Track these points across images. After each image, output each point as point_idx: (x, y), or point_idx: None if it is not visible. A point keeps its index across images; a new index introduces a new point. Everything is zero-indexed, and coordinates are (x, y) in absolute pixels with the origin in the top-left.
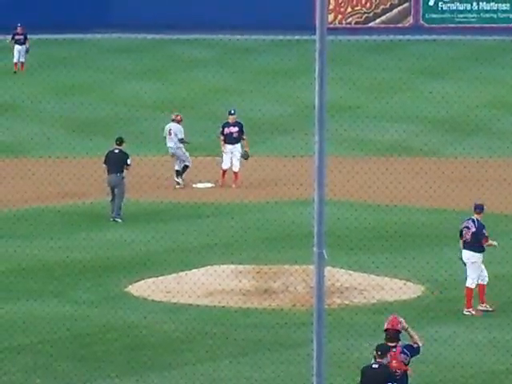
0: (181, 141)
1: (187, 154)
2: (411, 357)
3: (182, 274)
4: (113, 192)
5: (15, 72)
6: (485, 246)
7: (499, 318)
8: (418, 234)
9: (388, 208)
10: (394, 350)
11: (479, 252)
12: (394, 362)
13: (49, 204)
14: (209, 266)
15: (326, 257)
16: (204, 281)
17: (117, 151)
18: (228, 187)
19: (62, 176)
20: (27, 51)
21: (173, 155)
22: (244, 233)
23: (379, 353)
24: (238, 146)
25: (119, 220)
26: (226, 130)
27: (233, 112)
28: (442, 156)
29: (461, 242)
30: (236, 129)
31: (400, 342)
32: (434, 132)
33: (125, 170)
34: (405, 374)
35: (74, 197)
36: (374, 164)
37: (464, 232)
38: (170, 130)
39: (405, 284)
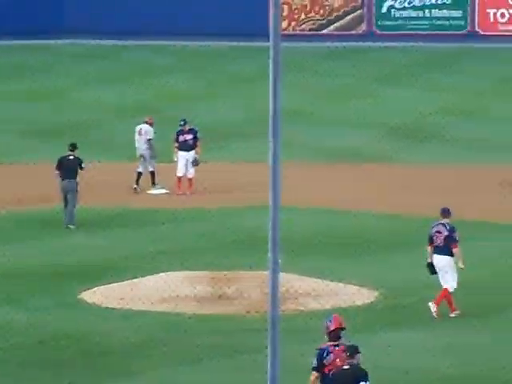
0: (149, 141)
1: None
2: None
3: (135, 280)
4: (66, 198)
5: None
6: (453, 251)
7: (454, 322)
8: (371, 239)
9: (342, 213)
10: (337, 347)
11: (452, 255)
12: (337, 360)
13: (1, 210)
14: (163, 273)
15: (280, 262)
16: (158, 287)
17: (71, 157)
18: (183, 194)
19: (17, 182)
20: None
21: (140, 156)
22: (199, 239)
23: (348, 353)
24: (193, 152)
25: (72, 227)
26: (181, 138)
27: (182, 123)
28: (395, 162)
29: (429, 247)
30: (190, 136)
31: (343, 340)
32: (387, 138)
33: (78, 177)
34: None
35: (28, 203)
36: (328, 170)
37: (435, 237)
38: (141, 129)
39: (358, 290)
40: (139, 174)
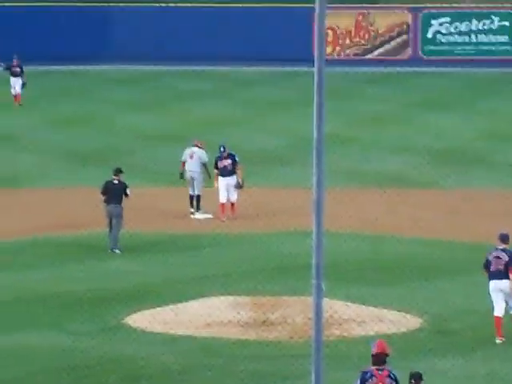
0: (204, 165)
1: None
2: (397, 383)
3: (179, 305)
4: (111, 223)
5: (17, 104)
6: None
7: (498, 349)
8: (416, 265)
9: (387, 239)
10: (380, 372)
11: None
12: None
13: (46, 234)
14: (207, 298)
15: (323, 288)
16: (202, 312)
17: (116, 182)
18: (227, 219)
19: (60, 206)
20: (23, 85)
21: (192, 179)
22: (242, 264)
23: (413, 381)
24: (234, 177)
25: (117, 251)
26: (220, 164)
27: (222, 150)
28: (440, 187)
29: (485, 273)
30: (229, 161)
31: (387, 366)
32: (432, 164)
33: (123, 201)
34: None
35: (72, 227)
36: (371, 195)
37: (494, 262)
38: (193, 153)
39: (403, 316)
40: (191, 197)
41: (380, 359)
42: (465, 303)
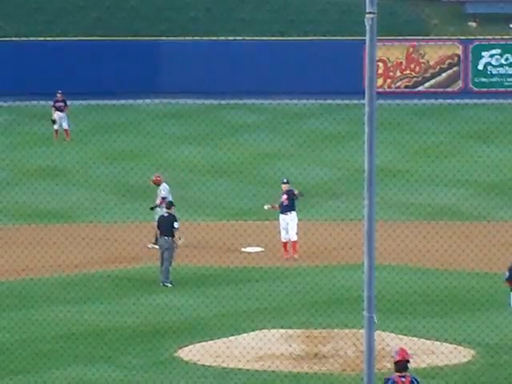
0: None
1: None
2: None
3: (231, 338)
4: (162, 256)
5: (63, 139)
6: None
7: None
8: (468, 298)
9: (438, 272)
10: (403, 379)
11: None
12: None
13: (99, 269)
14: (258, 331)
15: (375, 321)
16: (254, 345)
17: (166, 215)
18: (291, 257)
19: (112, 241)
20: (67, 118)
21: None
22: (293, 297)
23: None
24: (293, 214)
25: (169, 285)
26: (282, 198)
27: (285, 181)
28: (492, 220)
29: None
30: (285, 196)
31: (409, 372)
32: (484, 196)
33: (176, 235)
34: None
35: (124, 261)
36: (423, 228)
37: None
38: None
39: (455, 348)
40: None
41: (402, 366)
42: None
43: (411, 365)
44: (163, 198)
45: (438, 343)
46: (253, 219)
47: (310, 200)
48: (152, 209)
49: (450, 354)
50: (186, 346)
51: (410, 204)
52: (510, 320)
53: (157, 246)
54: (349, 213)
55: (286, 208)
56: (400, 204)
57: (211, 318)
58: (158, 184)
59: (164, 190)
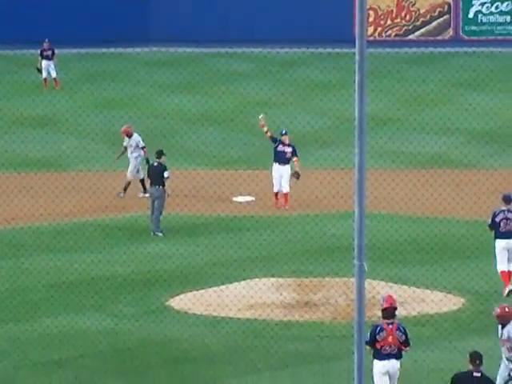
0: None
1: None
2: (406, 336)
3: (222, 287)
4: (153, 205)
5: (52, 88)
6: None
7: None
8: (458, 246)
9: (428, 220)
10: (390, 326)
11: None
12: (390, 337)
13: (89, 218)
14: (249, 280)
15: (366, 269)
16: (245, 294)
17: (156, 164)
18: (280, 208)
19: (102, 190)
20: (55, 66)
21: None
22: (284, 246)
23: (477, 362)
24: (288, 167)
25: (159, 234)
26: (280, 148)
27: (285, 132)
28: (482, 168)
29: (491, 231)
30: (290, 149)
31: (396, 320)
32: (474, 144)
33: (166, 184)
34: (400, 350)
35: (115, 210)
36: (414, 176)
37: (504, 223)
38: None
39: (445, 296)
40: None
41: (389, 313)
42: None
43: (402, 313)
44: (143, 148)
45: (429, 291)
46: (243, 168)
47: (301, 149)
48: (147, 162)
49: (440, 302)
50: (177, 294)
51: (401, 152)
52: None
53: (147, 195)
54: (339, 161)
55: (285, 160)
56: (390, 152)
57: (202, 267)
58: (129, 135)
59: (136, 140)
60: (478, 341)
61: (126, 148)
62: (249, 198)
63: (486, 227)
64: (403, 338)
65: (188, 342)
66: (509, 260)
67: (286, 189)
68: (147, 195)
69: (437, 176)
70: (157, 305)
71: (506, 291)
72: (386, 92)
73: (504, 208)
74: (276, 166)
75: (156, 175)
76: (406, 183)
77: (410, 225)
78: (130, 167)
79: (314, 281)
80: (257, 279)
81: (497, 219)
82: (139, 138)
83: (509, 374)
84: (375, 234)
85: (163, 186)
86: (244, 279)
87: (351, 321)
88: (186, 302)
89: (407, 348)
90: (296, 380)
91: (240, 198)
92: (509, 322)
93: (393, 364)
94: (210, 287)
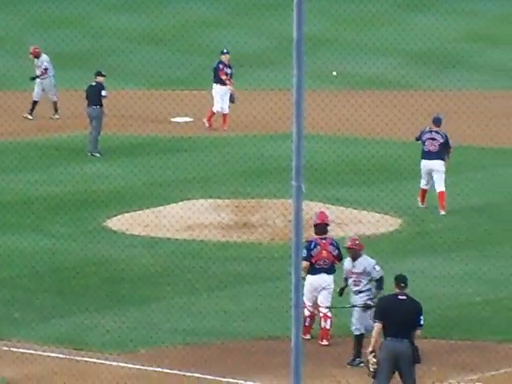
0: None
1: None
2: (339, 251)
3: (160, 208)
4: (91, 125)
5: None
6: (448, 156)
7: (476, 250)
8: (395, 167)
9: (366, 141)
10: (324, 241)
11: (444, 160)
12: (323, 252)
13: (25, 137)
14: (187, 200)
15: (304, 190)
16: (182, 215)
17: (94, 84)
18: (215, 129)
19: (41, 109)
20: None
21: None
22: (222, 167)
23: (402, 285)
24: (226, 88)
25: (97, 154)
26: (224, 70)
27: (226, 52)
28: (419, 89)
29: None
30: (230, 71)
31: (328, 234)
32: (412, 65)
33: (104, 103)
34: (332, 265)
35: (51, 130)
36: (352, 97)
37: (429, 143)
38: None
39: (382, 217)
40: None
41: (322, 229)
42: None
43: (339, 234)
44: (45, 69)
45: (366, 212)
46: (181, 88)
47: (240, 70)
48: (32, 79)
49: (377, 223)
50: (115, 215)
51: (339, 73)
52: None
53: (30, 117)
54: (278, 82)
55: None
56: (328, 72)
57: (140, 188)
58: (36, 56)
59: (45, 61)
60: (415, 261)
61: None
62: (187, 119)
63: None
64: (336, 252)
65: (125, 263)
66: (429, 182)
67: (226, 110)
68: (30, 117)
69: (374, 97)
70: (94, 225)
71: (420, 205)
72: (325, 12)
73: (434, 128)
74: (219, 86)
75: (93, 95)
76: (343, 104)
77: (348, 146)
78: (37, 88)
79: (252, 202)
80: (194, 200)
81: (423, 137)
82: (47, 59)
83: (365, 305)
84: (313, 156)
85: (101, 105)
86: (182, 200)
87: (288, 242)
88: (123, 222)
89: (339, 262)
90: (234, 300)
91: (178, 119)
92: (360, 255)
93: (324, 279)
94: (148, 208)
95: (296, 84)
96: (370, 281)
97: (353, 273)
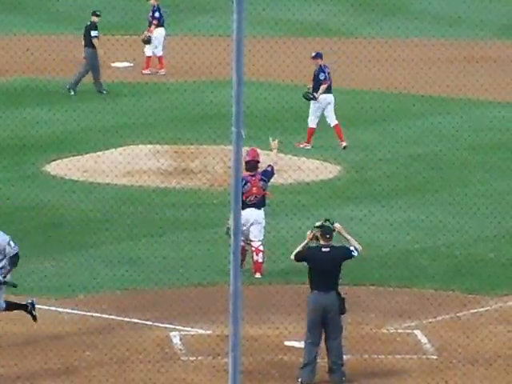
0: None
1: None
2: (268, 181)
3: (99, 153)
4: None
5: None
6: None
7: (414, 197)
8: (335, 114)
9: (306, 88)
10: (253, 178)
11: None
12: (254, 188)
13: None
14: (126, 146)
15: (243, 136)
16: (121, 160)
17: (88, 23)
18: (154, 73)
19: None
20: None
21: None
22: (162, 112)
23: (328, 236)
24: (162, 29)
25: (72, 93)
26: (151, 14)
27: None
28: (360, 36)
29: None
30: (158, 14)
31: (258, 170)
32: (352, 12)
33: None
34: (263, 198)
35: None
36: (292, 44)
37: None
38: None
39: (321, 164)
40: None
41: (252, 166)
42: (382, 151)
43: (279, 181)
44: None
45: (305, 159)
46: (121, 33)
47: (179, 14)
48: None
49: (316, 170)
50: (53, 160)
51: (279, 19)
52: (374, 136)
53: None
54: (218, 28)
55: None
56: (269, 19)
57: (79, 133)
58: None
59: None
60: (354, 208)
61: None
62: (126, 64)
63: (363, 96)
64: (265, 185)
65: (64, 208)
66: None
67: (159, 53)
68: None
69: (315, 44)
70: (32, 170)
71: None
72: None
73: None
74: (160, 30)
75: (85, 35)
76: (284, 51)
77: (288, 93)
78: None
79: (192, 148)
80: (134, 146)
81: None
82: None
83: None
84: (253, 102)
85: (91, 46)
86: (121, 145)
87: (228, 188)
88: (61, 167)
89: (270, 194)
90: (173, 246)
91: (118, 64)
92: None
93: (255, 213)
94: (87, 153)
95: (236, 30)
96: (5, 257)
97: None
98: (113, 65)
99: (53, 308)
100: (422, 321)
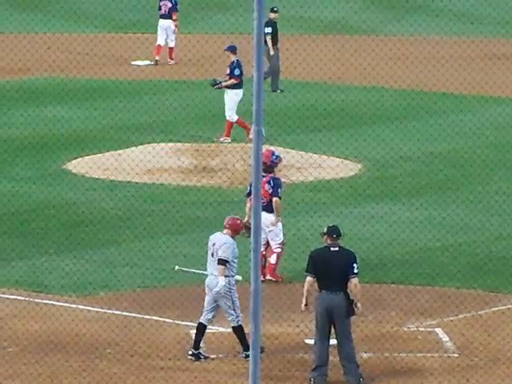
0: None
1: None
2: (274, 188)
3: (120, 151)
4: None
5: None
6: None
7: (435, 195)
8: (356, 111)
9: (326, 86)
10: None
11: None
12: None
13: None
14: (147, 144)
15: (264, 134)
16: (142, 158)
17: None
18: (165, 64)
19: (0, 52)
20: None
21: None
22: (182, 110)
23: (335, 236)
24: (170, 21)
25: None
26: (161, 3)
27: None
28: (381, 34)
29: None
30: (170, 4)
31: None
32: (373, 9)
33: None
34: (270, 202)
35: (11, 72)
36: (312, 42)
37: None
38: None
39: (342, 162)
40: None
41: (265, 168)
42: (403, 149)
43: (299, 178)
44: None
45: (326, 157)
46: (142, 31)
47: (200, 12)
48: None
49: (336, 168)
50: (74, 158)
51: (299, 17)
52: (395, 134)
53: None
54: (238, 26)
55: (166, 16)
56: (289, 17)
57: (100, 131)
58: None
59: None
60: (374, 206)
61: None
62: (147, 62)
63: (384, 94)
64: (271, 190)
65: (85, 206)
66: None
67: (172, 43)
68: None
69: (335, 41)
70: (54, 168)
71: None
72: None
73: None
74: (161, 20)
75: None
76: (304, 49)
77: (308, 90)
78: None
79: (212, 146)
80: (155, 144)
81: None
82: None
83: None
84: (273, 100)
85: None
86: (142, 144)
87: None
88: (83, 165)
89: (275, 199)
90: (193, 244)
91: (139, 62)
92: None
93: (264, 217)
94: (108, 151)
95: (256, 28)
96: None
97: None
98: (133, 63)
99: (74, 306)
100: (443, 319)
